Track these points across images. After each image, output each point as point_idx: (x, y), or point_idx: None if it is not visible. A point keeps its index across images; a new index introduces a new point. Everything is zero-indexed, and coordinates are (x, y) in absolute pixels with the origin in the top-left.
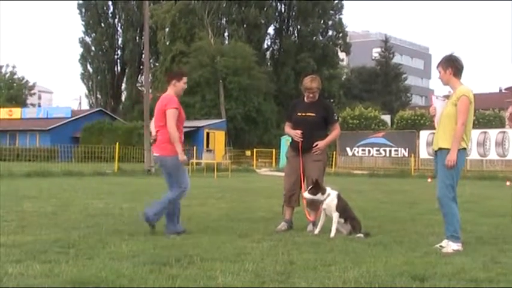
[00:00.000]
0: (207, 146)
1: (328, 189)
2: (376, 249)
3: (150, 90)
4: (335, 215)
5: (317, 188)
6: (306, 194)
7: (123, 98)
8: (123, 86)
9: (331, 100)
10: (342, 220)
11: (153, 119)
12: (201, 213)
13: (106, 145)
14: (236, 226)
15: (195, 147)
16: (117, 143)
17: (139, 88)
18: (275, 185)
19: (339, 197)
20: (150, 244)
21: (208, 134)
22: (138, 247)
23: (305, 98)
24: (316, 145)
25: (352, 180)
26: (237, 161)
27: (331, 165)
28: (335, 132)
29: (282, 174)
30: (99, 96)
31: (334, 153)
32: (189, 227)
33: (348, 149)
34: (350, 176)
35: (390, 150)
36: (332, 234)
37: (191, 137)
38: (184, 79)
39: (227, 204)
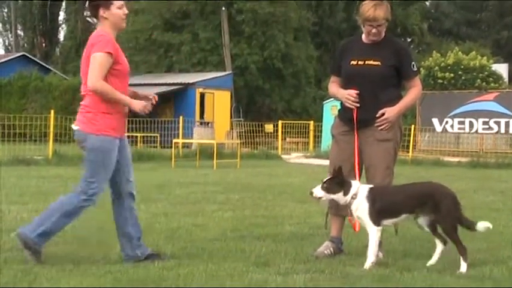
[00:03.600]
0: (202, 116)
1: (355, 185)
2: None
3: None
4: (371, 232)
5: (336, 180)
6: (316, 190)
7: (61, 37)
8: (62, 15)
9: (408, 39)
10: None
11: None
12: (191, 227)
13: (34, 114)
14: (250, 248)
15: (181, 118)
16: (53, 111)
17: (89, 19)
18: (314, 180)
19: (372, 196)
20: (109, 278)
21: (203, 95)
22: (90, 283)
23: (363, 37)
24: (383, 114)
25: (442, 173)
26: (251, 141)
27: (408, 147)
28: (414, 92)
29: (326, 162)
30: (20, 33)
31: (413, 127)
32: (172, 250)
33: (436, 121)
34: (439, 165)
35: (508, 123)
36: (367, 263)
37: (175, 101)
38: (118, 2)
39: (235, 212)
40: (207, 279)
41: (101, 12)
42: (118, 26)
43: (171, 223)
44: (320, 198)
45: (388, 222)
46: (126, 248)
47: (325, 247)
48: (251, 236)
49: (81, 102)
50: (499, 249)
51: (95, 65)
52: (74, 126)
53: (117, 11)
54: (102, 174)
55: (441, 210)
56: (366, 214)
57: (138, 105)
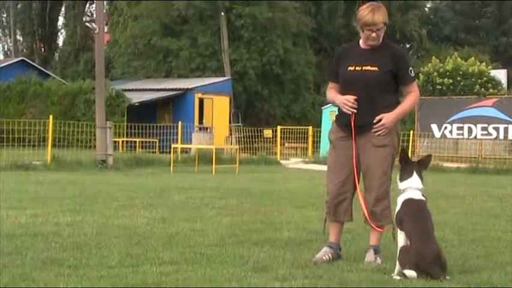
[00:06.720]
0: (201, 121)
1: None
2: None
3: (106, 29)
4: None
5: None
6: None
7: (60, 42)
8: (61, 21)
9: (407, 45)
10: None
11: None
12: (190, 232)
13: (32, 119)
14: (248, 253)
15: (180, 123)
16: (51, 116)
17: (88, 25)
18: (312, 186)
19: None
20: (106, 283)
21: (202, 101)
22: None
23: (361, 42)
24: (380, 119)
25: (441, 179)
26: (250, 147)
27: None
28: (411, 98)
29: (325, 168)
30: (19, 37)
31: (411, 133)
32: (170, 255)
33: (435, 127)
34: (438, 171)
35: (506, 129)
36: None
37: (174, 106)
38: None
39: (233, 217)
40: (205, 284)
41: None
42: None
43: (169, 228)
44: None
45: None
46: None
47: (324, 253)
48: (249, 241)
49: None
50: (498, 254)
51: None
52: None
53: None
54: None
55: None
56: None
57: None
